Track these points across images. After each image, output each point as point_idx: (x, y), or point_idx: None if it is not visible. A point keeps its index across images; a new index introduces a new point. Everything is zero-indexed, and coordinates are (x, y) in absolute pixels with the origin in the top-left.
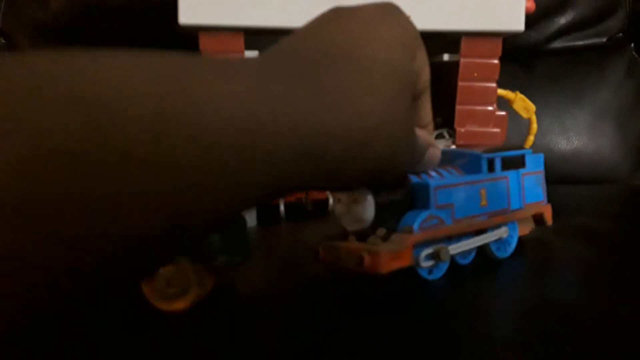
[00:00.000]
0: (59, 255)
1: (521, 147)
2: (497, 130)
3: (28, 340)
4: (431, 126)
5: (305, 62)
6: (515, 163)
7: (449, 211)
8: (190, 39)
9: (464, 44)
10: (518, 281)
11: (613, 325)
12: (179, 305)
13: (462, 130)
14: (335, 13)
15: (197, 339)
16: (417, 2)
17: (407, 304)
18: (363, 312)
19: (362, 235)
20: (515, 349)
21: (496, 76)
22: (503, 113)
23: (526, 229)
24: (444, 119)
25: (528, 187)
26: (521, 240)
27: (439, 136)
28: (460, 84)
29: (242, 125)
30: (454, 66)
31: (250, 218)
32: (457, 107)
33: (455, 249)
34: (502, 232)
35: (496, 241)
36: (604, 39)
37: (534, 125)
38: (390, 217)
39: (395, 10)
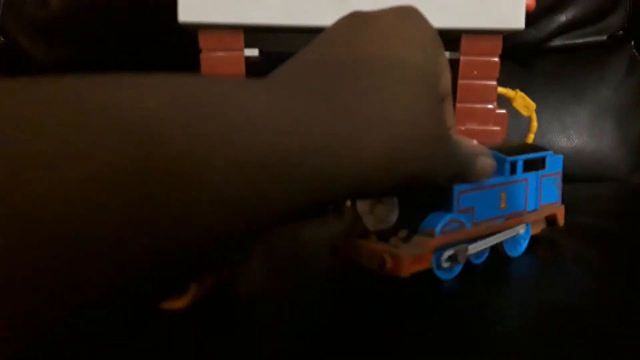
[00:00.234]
0: (111, 275)
1: (544, 148)
2: (497, 128)
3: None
4: (454, 129)
5: (328, 74)
6: (537, 165)
7: (470, 215)
8: (190, 37)
9: (464, 42)
10: (527, 280)
11: (620, 325)
12: (179, 303)
13: (462, 128)
14: (355, 20)
15: (196, 338)
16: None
17: (416, 303)
18: (366, 311)
19: (383, 235)
20: (522, 347)
21: (496, 74)
22: (503, 111)
23: (538, 228)
24: None
25: (545, 189)
26: (530, 239)
27: None
28: (460, 82)
29: (271, 145)
30: (453, 64)
31: None
32: (457, 105)
33: (471, 249)
34: (514, 232)
35: (509, 241)
36: (605, 37)
37: (534, 124)
38: (412, 218)
39: (416, 14)
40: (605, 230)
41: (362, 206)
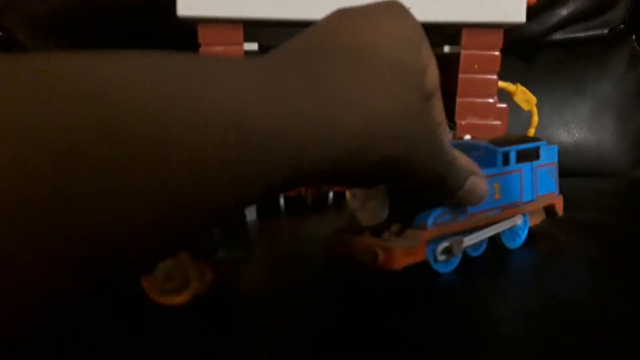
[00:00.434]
0: (72, 252)
1: (537, 139)
2: (497, 122)
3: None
4: (444, 125)
5: (307, 57)
6: (530, 155)
7: (463, 206)
8: (189, 32)
9: (464, 36)
10: (526, 274)
11: (619, 320)
12: (179, 299)
13: (463, 122)
14: (340, 13)
15: (196, 334)
16: None
17: (415, 298)
18: (366, 306)
19: (376, 230)
20: (520, 341)
21: (497, 68)
22: (504, 105)
23: (537, 219)
24: (445, 111)
25: (541, 179)
26: (528, 232)
27: None
28: (460, 76)
29: (244, 117)
30: (454, 58)
31: (250, 212)
32: (458, 99)
33: (467, 241)
34: (515, 220)
35: (507, 232)
36: (606, 31)
37: (535, 118)
38: (406, 213)
39: (400, 8)
40: (605, 225)
41: (355, 203)
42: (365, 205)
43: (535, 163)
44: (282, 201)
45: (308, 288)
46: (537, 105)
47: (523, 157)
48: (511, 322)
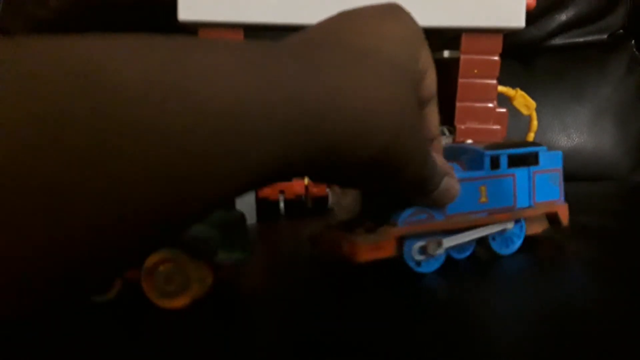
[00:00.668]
0: (59, 231)
1: (537, 144)
2: (497, 127)
3: (27, 339)
4: (439, 139)
5: (307, 50)
6: (526, 160)
7: (437, 206)
8: (190, 34)
9: (464, 41)
10: (516, 278)
11: (616, 324)
12: (179, 302)
13: (463, 127)
14: (341, 14)
15: (196, 336)
16: None
17: (406, 300)
18: (364, 309)
19: (352, 226)
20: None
21: (496, 73)
22: (503, 110)
23: (538, 227)
24: (444, 116)
25: (540, 185)
26: (525, 238)
27: (440, 133)
28: (460, 80)
29: (238, 103)
30: (454, 63)
31: (250, 215)
32: (457, 104)
33: (447, 242)
34: (498, 227)
35: (497, 237)
36: (605, 36)
37: (535, 122)
38: (381, 209)
39: (401, 11)
40: (605, 229)
41: (333, 198)
42: (341, 201)
43: (533, 169)
44: (282, 204)
45: (307, 290)
46: (537, 110)
47: (517, 161)
48: (502, 327)
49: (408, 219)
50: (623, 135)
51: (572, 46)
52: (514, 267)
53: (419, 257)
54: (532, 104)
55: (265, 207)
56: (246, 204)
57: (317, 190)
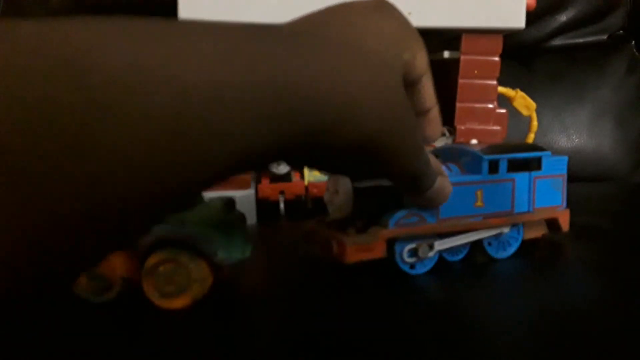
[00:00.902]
0: (46, 215)
1: (541, 149)
2: (497, 128)
3: (27, 339)
4: (436, 109)
5: (293, 36)
6: (528, 165)
7: (433, 210)
8: None
9: (464, 41)
10: (512, 279)
11: (615, 326)
12: (179, 302)
13: (463, 127)
14: (329, 9)
15: (196, 337)
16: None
17: (401, 301)
18: (361, 309)
19: (343, 225)
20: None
21: (497, 73)
22: (503, 111)
23: (537, 232)
24: (444, 116)
25: (541, 191)
26: (523, 241)
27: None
28: (460, 81)
29: (221, 84)
30: (454, 63)
31: (250, 215)
32: (458, 104)
33: (440, 245)
34: (493, 232)
35: (493, 241)
36: (605, 37)
37: (535, 123)
38: (373, 209)
39: (388, 6)
40: (605, 230)
41: (327, 196)
42: (333, 199)
43: (535, 174)
44: (282, 205)
45: (307, 290)
46: (537, 111)
47: (518, 166)
48: (496, 328)
49: (400, 221)
50: (623, 136)
51: (572, 47)
52: (510, 269)
53: (409, 260)
54: (532, 104)
55: (265, 207)
56: (246, 205)
57: (317, 190)
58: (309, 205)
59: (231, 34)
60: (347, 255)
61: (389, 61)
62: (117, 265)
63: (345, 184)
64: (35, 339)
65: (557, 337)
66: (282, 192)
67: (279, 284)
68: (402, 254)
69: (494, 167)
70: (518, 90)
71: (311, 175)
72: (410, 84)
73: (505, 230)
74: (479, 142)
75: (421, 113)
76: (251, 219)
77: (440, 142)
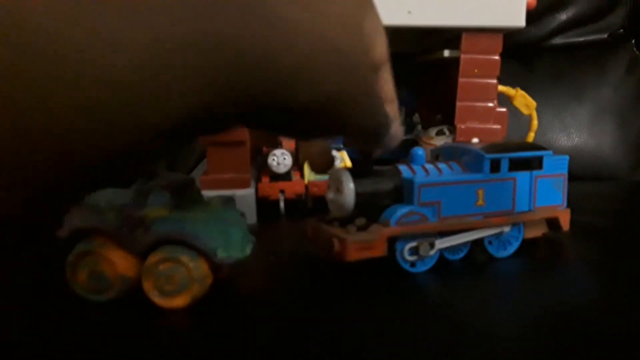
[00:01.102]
0: None
1: (542, 148)
2: (497, 126)
3: (27, 339)
4: (394, 105)
5: None
6: (529, 164)
7: (435, 208)
8: None
9: (464, 40)
10: (512, 278)
11: (616, 324)
12: (179, 301)
13: (463, 126)
14: None
15: (196, 336)
16: None
17: (401, 300)
18: (363, 309)
19: (345, 222)
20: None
21: (497, 72)
22: (504, 109)
23: (538, 231)
24: (445, 115)
25: (541, 190)
26: (524, 240)
27: (440, 133)
28: (460, 80)
29: (162, 36)
30: (454, 62)
31: (250, 214)
32: (458, 103)
33: (440, 243)
34: (494, 231)
35: (494, 240)
36: (605, 36)
37: (535, 122)
38: (379, 208)
39: None
40: (605, 229)
41: (328, 195)
42: (335, 198)
43: (536, 173)
44: (282, 204)
45: (307, 290)
46: (537, 110)
47: (519, 165)
48: (495, 326)
49: (401, 220)
50: (623, 135)
51: (572, 46)
52: (511, 268)
53: (410, 258)
54: (532, 103)
55: (265, 206)
56: (246, 204)
57: (317, 189)
58: (309, 204)
59: None
60: (349, 253)
61: (347, 21)
62: (117, 264)
63: (347, 183)
64: (35, 339)
65: (557, 336)
66: (282, 191)
67: (279, 283)
68: (403, 253)
69: (495, 166)
70: (518, 89)
71: (311, 174)
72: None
73: (506, 229)
74: (480, 140)
75: None
76: (251, 218)
77: (440, 141)
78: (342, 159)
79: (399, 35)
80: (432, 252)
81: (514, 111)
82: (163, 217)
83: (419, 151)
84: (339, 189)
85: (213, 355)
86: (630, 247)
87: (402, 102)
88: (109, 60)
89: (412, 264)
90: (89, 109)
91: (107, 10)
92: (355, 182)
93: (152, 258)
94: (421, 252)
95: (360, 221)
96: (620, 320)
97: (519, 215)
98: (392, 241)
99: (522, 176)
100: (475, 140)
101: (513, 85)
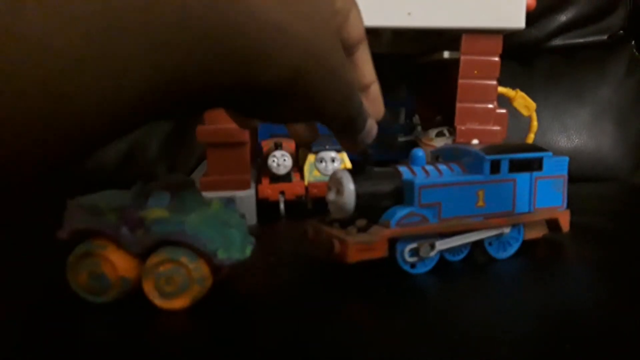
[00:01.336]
0: None
1: (542, 149)
2: (497, 128)
3: (27, 339)
4: (376, 85)
5: None
6: (529, 166)
7: (435, 210)
8: None
9: (464, 41)
10: (513, 279)
11: (616, 325)
12: (179, 303)
13: (463, 127)
14: None
15: (196, 337)
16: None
17: (401, 301)
18: (363, 310)
19: (345, 223)
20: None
21: (497, 74)
22: (503, 111)
23: (538, 232)
24: (445, 116)
25: (542, 191)
26: (524, 241)
27: (440, 134)
28: (460, 81)
29: (114, 1)
30: (454, 64)
31: (250, 216)
32: (458, 104)
33: (441, 245)
34: (494, 232)
35: (494, 241)
36: (605, 37)
37: (535, 123)
38: (380, 210)
39: None
40: (605, 230)
41: (329, 196)
42: (336, 200)
43: (536, 174)
44: (282, 205)
45: (307, 291)
46: (537, 111)
47: (519, 166)
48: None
49: (401, 221)
50: (623, 136)
51: (572, 47)
52: (511, 269)
53: (410, 259)
54: (532, 105)
55: (265, 207)
56: (246, 205)
57: (317, 190)
58: (309, 206)
59: None
60: (350, 255)
61: (317, 4)
62: (117, 265)
63: (347, 184)
64: (35, 340)
65: (558, 337)
66: (282, 193)
67: (279, 284)
68: (404, 254)
69: (495, 167)
70: (518, 90)
71: (311, 176)
72: (344, 52)
73: (506, 230)
74: (480, 142)
75: (361, 89)
76: (251, 219)
77: (440, 142)
78: (342, 160)
79: (398, 37)
80: (432, 254)
81: (513, 112)
82: (163, 218)
83: (419, 152)
84: (339, 191)
85: (213, 356)
86: (630, 248)
87: (402, 103)
88: (66, 34)
89: (413, 265)
90: (49, 85)
91: None
92: (355, 183)
93: (152, 259)
94: (422, 253)
95: (361, 222)
96: (620, 321)
97: (519, 217)
98: (392, 242)
99: (522, 177)
100: (475, 141)
101: (513, 86)
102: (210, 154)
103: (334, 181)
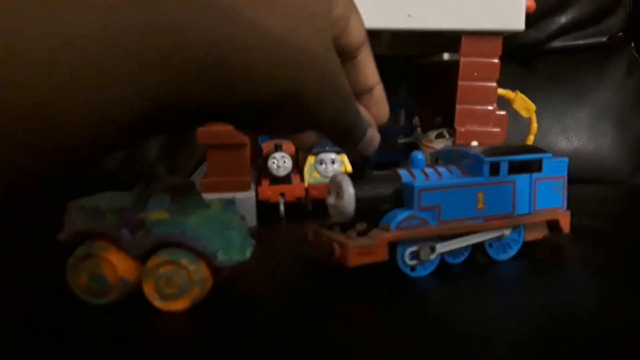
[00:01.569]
0: None
1: (542, 150)
2: (497, 129)
3: (27, 339)
4: (380, 87)
5: None
6: (528, 167)
7: (435, 212)
8: None
9: (464, 43)
10: (513, 281)
11: (617, 327)
12: (179, 304)
13: (462, 129)
14: None
15: (196, 339)
16: (418, 1)
17: (401, 303)
18: (365, 313)
19: (346, 227)
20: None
21: (496, 75)
22: (503, 112)
23: (538, 233)
24: (444, 118)
25: (541, 193)
26: (524, 242)
27: (439, 136)
28: (460, 83)
29: (107, 23)
30: (454, 65)
31: (250, 217)
32: (457, 106)
33: (441, 247)
34: (495, 234)
35: (494, 243)
36: (605, 38)
37: (534, 125)
38: (380, 213)
39: None
40: (605, 232)
41: (329, 200)
42: (336, 204)
43: (536, 176)
44: (282, 207)
45: (307, 293)
46: (537, 113)
47: (519, 168)
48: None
49: (401, 224)
50: (622, 137)
51: (571, 49)
52: (511, 271)
53: (411, 262)
54: (532, 106)
55: (265, 209)
56: (246, 206)
57: (317, 192)
58: (309, 208)
59: None
60: (350, 258)
61: (312, 9)
62: (117, 267)
63: (347, 188)
64: (35, 341)
65: (558, 339)
66: (282, 194)
67: (279, 286)
68: (404, 257)
69: (495, 169)
70: (518, 92)
71: (311, 177)
72: (346, 56)
73: (507, 232)
74: (479, 144)
75: (364, 91)
76: (251, 221)
77: (440, 144)
78: (342, 161)
79: (398, 39)
80: (432, 256)
81: (513, 114)
82: (163, 220)
83: (418, 155)
84: (339, 194)
85: (213, 358)
86: (630, 249)
87: (402, 104)
88: (63, 55)
89: (413, 268)
90: (45, 105)
91: (54, 7)
92: (355, 187)
93: (153, 261)
94: (422, 256)
95: (361, 226)
96: (621, 322)
97: (519, 218)
98: (392, 246)
99: (522, 179)
100: (474, 143)
101: (513, 88)
102: (210, 155)
103: (334, 185)
